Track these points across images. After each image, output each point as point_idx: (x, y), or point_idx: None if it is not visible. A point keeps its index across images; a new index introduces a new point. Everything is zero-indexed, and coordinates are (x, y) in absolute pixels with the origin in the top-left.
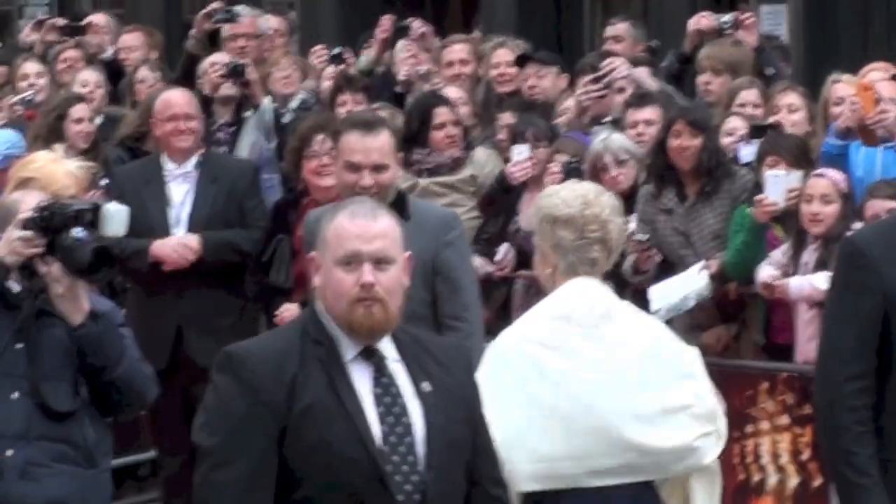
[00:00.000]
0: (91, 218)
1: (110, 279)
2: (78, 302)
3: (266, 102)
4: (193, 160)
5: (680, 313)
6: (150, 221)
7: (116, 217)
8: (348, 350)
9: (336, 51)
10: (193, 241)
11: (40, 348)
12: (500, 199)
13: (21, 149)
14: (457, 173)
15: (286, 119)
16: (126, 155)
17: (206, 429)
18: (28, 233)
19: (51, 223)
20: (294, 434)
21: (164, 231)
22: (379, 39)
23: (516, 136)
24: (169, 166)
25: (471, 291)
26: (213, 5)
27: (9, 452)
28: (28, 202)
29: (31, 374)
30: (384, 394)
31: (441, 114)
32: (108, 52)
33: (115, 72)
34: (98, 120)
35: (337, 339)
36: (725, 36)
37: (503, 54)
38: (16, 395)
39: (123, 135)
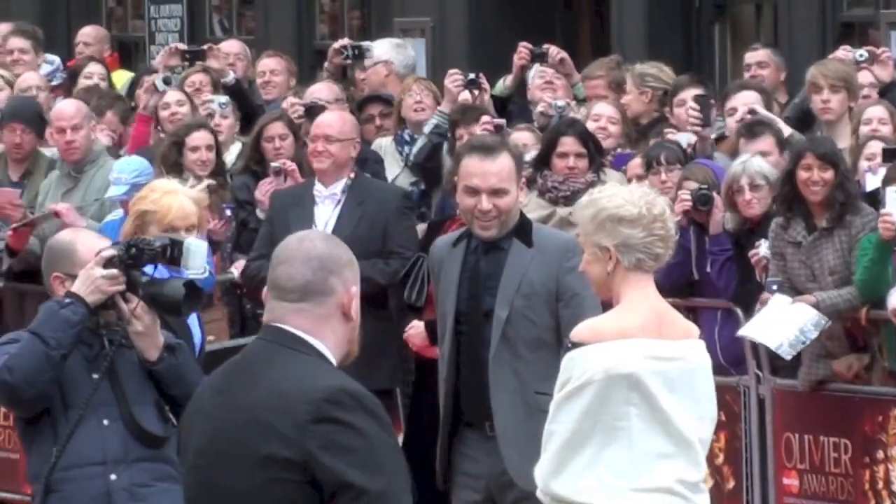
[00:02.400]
0: (174, 254)
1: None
2: (155, 338)
3: None
4: (342, 183)
5: (805, 346)
6: None
7: (198, 252)
8: None
9: (471, 76)
10: None
11: (121, 376)
12: None
13: (149, 176)
14: None
15: (420, 143)
16: (252, 181)
17: (367, 469)
18: (113, 271)
19: (136, 260)
20: None
21: None
22: (516, 65)
23: (651, 161)
24: (318, 188)
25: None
26: (343, 42)
27: (112, 477)
28: (84, 241)
29: (121, 401)
30: None
31: (566, 143)
32: (230, 77)
33: (236, 98)
34: (235, 148)
35: None
36: (860, 69)
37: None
38: (106, 421)
39: (246, 160)
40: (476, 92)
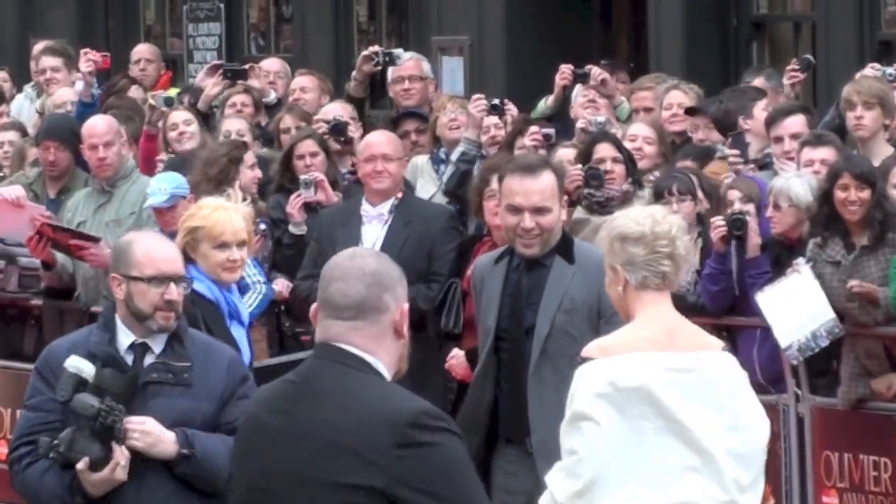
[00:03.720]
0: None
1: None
2: (160, 447)
3: None
4: (389, 203)
5: (814, 353)
6: None
7: None
8: None
9: (495, 101)
10: None
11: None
12: None
13: (187, 190)
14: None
15: (449, 172)
16: (285, 200)
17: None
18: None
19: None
20: None
21: None
22: (558, 86)
23: (661, 191)
24: (366, 207)
25: None
26: (373, 48)
27: None
28: (142, 242)
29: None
30: None
31: (602, 149)
32: (272, 97)
33: None
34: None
35: None
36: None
37: (676, 96)
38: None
39: (278, 179)
40: (500, 117)
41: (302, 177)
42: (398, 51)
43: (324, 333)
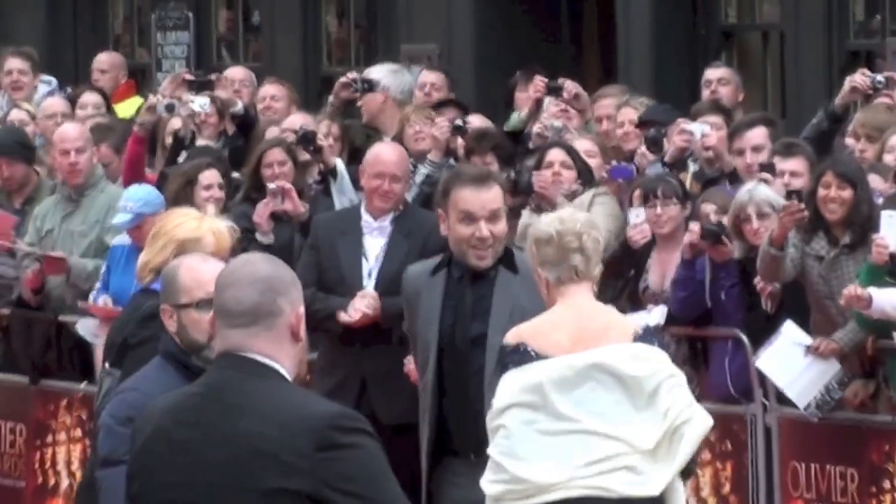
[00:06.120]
0: None
1: None
2: None
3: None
4: (391, 214)
5: (832, 406)
6: (342, 273)
7: None
8: None
9: (458, 122)
10: (374, 307)
11: None
12: (625, 261)
13: (156, 206)
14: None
15: (413, 194)
16: (251, 209)
17: (373, 494)
18: None
19: None
20: None
21: (355, 284)
22: (532, 99)
23: (647, 194)
24: (367, 219)
25: None
26: (351, 75)
27: None
28: (188, 266)
29: None
30: None
31: (552, 154)
32: (239, 107)
33: (245, 126)
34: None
35: None
36: (877, 94)
37: (627, 113)
38: None
39: (245, 188)
40: (464, 136)
41: (270, 185)
42: (376, 77)
43: (224, 342)
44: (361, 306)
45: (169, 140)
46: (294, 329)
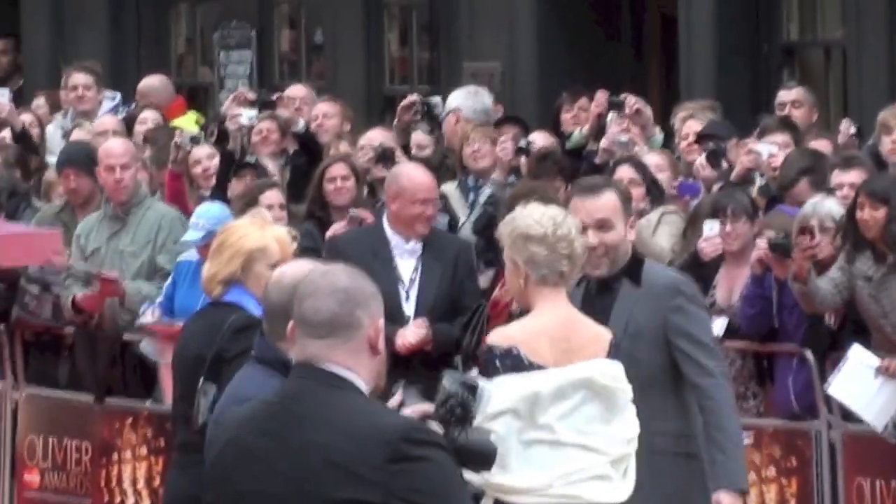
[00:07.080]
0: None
1: None
2: None
3: None
4: (420, 237)
5: None
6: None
7: (488, 398)
8: None
9: (521, 143)
10: (426, 337)
11: None
12: (694, 273)
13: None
14: None
15: (476, 214)
16: (316, 229)
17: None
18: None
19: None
20: None
21: (395, 307)
22: (593, 114)
23: (717, 210)
24: (395, 240)
25: (707, 350)
26: (412, 98)
27: None
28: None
29: None
30: None
31: (621, 171)
32: (300, 125)
33: (306, 144)
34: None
35: None
36: None
37: (692, 126)
38: None
39: (309, 206)
40: (527, 155)
41: (352, 211)
42: (436, 99)
43: (302, 352)
44: (417, 334)
45: (197, 170)
46: (373, 342)
